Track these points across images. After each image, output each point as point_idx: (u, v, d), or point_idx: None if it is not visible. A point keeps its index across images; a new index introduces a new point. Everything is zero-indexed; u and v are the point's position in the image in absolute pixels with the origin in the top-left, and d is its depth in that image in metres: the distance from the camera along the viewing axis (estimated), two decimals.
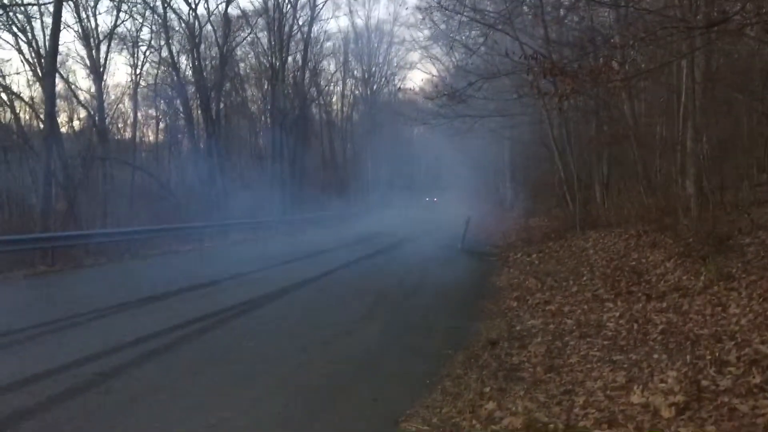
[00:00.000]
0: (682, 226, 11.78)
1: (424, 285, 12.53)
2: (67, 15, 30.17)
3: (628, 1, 10.26)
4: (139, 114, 38.02)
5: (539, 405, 4.94)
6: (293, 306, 10.50)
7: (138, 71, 34.35)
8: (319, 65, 46.80)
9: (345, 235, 25.32)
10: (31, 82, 29.51)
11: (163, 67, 34.99)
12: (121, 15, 31.03)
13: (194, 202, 31.21)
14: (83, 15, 28.50)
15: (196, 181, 34.38)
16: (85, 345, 7.23)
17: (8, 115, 27.53)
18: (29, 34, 24.88)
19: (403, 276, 13.67)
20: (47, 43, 22.42)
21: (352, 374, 6.41)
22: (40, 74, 24.00)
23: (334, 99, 54.66)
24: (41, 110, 23.12)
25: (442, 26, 23.55)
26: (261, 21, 39.09)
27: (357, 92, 56.83)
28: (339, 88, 54.33)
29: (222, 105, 38.01)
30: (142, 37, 34.22)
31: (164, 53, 33.65)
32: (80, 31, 28.65)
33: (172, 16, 33.27)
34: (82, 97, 32.16)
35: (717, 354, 5.27)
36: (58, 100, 28.20)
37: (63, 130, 31.49)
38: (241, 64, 41.61)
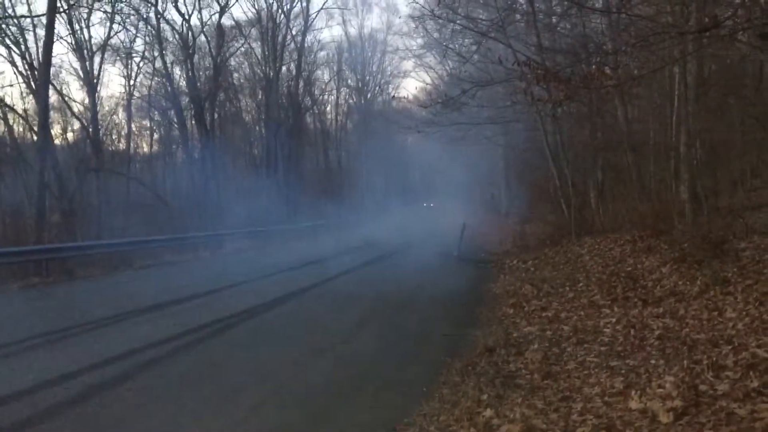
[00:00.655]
0: (677, 231, 11.79)
1: (420, 292, 12.51)
2: (60, 27, 30.31)
3: (619, 7, 10.29)
4: (133, 125, 38.02)
5: (537, 412, 4.91)
6: (289, 315, 10.46)
7: (132, 82, 34.45)
8: (312, 75, 46.95)
9: (341, 244, 25.30)
10: (24, 95, 29.47)
11: (156, 78, 35.06)
12: (115, 26, 31.01)
13: (189, 212, 31.22)
14: (76, 27, 28.55)
15: (191, 191, 34.37)
16: (78, 357, 7.19)
17: (2, 127, 27.49)
18: (22, 47, 24.90)
19: (400, 284, 13.64)
20: (40, 55, 22.37)
21: (348, 382, 6.38)
22: (33, 86, 23.97)
23: (328, 108, 54.79)
24: (35, 122, 23.12)
25: (436, 35, 23.71)
26: (254, 31, 39.26)
27: (351, 101, 57.00)
28: (333, 98, 54.49)
29: (216, 115, 38.03)
30: (135, 48, 34.18)
31: (158, 64, 33.71)
32: (73, 42, 28.70)
33: (166, 27, 33.33)
34: (75, 109, 32.14)
35: (714, 358, 5.26)
36: (51, 112, 28.24)
37: (57, 141, 31.47)
38: (235, 74, 41.70)
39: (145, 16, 31.36)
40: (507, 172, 34.66)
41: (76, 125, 33.81)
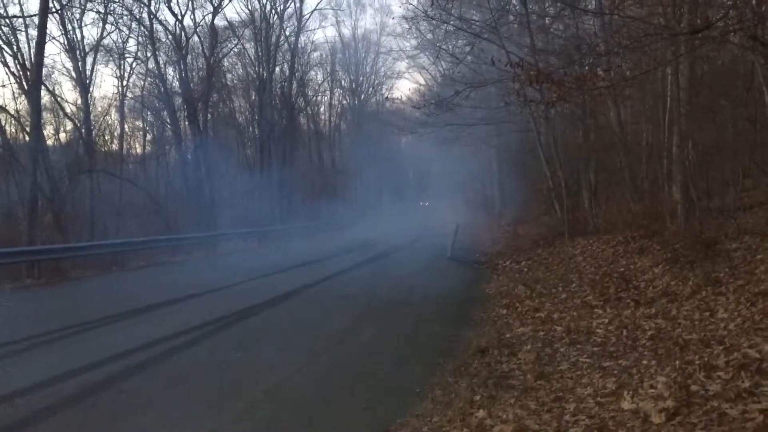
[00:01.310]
0: (669, 232, 11.84)
1: (413, 293, 12.51)
2: (53, 27, 30.16)
3: (612, 9, 10.33)
4: (126, 126, 37.78)
5: (530, 412, 4.92)
6: (283, 316, 10.44)
7: (124, 83, 34.17)
8: (306, 75, 46.87)
9: (334, 244, 25.28)
10: (16, 95, 29.12)
11: (149, 79, 34.83)
12: (107, 27, 30.73)
13: (182, 213, 31.11)
14: (69, 27, 28.36)
15: (184, 192, 34.26)
16: (70, 358, 7.15)
17: None
18: (14, 47, 24.66)
19: (393, 285, 13.65)
20: (33, 56, 22.22)
21: (342, 383, 6.38)
22: (25, 87, 23.77)
23: (321, 109, 54.70)
24: (27, 123, 22.98)
25: (429, 36, 23.75)
26: (248, 32, 39.16)
27: (345, 102, 56.92)
28: (327, 98, 54.39)
29: (209, 116, 37.91)
30: (128, 48, 33.96)
31: (151, 65, 33.51)
32: (66, 43, 28.52)
33: (159, 27, 33.23)
34: (68, 110, 31.93)
35: (706, 359, 5.28)
36: (44, 113, 28.06)
37: (49, 142, 31.24)
38: (228, 75, 41.54)
39: (138, 17, 31.25)
40: (500, 173, 34.71)
41: (69, 126, 33.67)
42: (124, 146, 37.96)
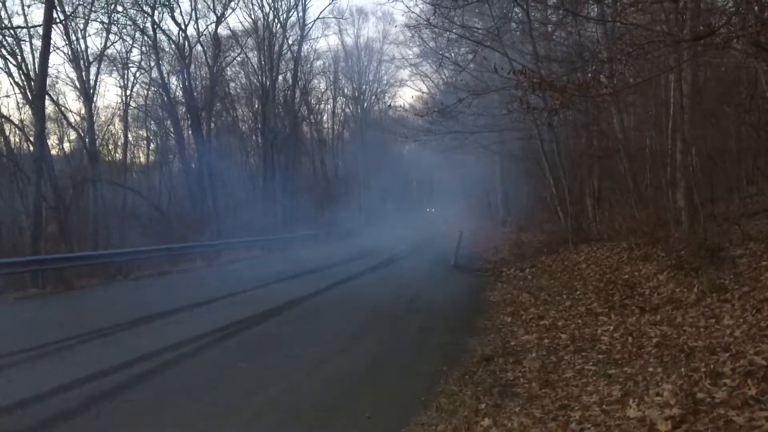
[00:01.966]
0: (673, 238, 11.81)
1: (417, 301, 12.50)
2: (57, 37, 30.18)
3: (615, 16, 10.36)
4: (129, 135, 38.01)
5: (535, 421, 4.90)
6: (287, 325, 10.42)
7: (128, 92, 34.43)
8: (309, 84, 47.03)
9: (338, 252, 25.26)
10: (20, 105, 29.42)
11: (153, 88, 35.09)
12: (111, 37, 30.95)
13: (186, 222, 31.16)
14: (73, 37, 28.60)
15: (188, 201, 34.34)
16: (75, 368, 7.14)
17: None
18: (19, 57, 24.84)
19: (397, 293, 13.63)
20: (37, 66, 22.38)
21: (346, 392, 6.36)
22: (29, 97, 23.88)
23: (324, 117, 54.92)
24: (31, 133, 23.03)
25: (432, 43, 23.73)
26: (251, 41, 39.36)
27: (348, 110, 57.09)
28: (329, 107, 54.63)
29: (213, 125, 38.07)
30: (132, 58, 34.16)
31: (154, 74, 33.77)
32: (70, 53, 28.72)
33: (162, 37, 33.45)
34: (72, 119, 32.15)
35: (712, 366, 5.26)
36: (48, 123, 28.18)
37: (53, 152, 31.50)
38: (232, 84, 41.77)
39: (141, 27, 31.49)
40: (503, 181, 34.73)
41: (73, 135, 33.92)
42: (128, 155, 38.21)
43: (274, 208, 36.31)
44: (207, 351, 8.32)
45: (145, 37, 32.12)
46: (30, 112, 24.78)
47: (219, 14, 35.59)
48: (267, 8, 38.65)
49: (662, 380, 5.30)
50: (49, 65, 22.04)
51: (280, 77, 41.02)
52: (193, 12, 35.44)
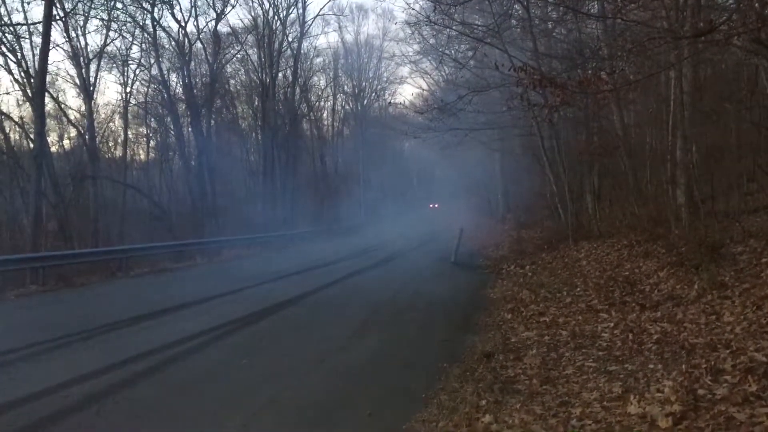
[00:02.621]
0: (673, 235, 11.80)
1: (418, 298, 12.50)
2: (57, 34, 30.21)
3: (615, 12, 10.34)
4: (129, 132, 37.97)
5: (536, 417, 4.91)
6: (288, 322, 10.42)
7: (128, 89, 34.35)
8: (309, 81, 47.02)
9: (338, 249, 25.27)
10: (20, 102, 29.36)
11: (153, 85, 35.03)
12: (111, 34, 30.92)
13: (186, 219, 31.20)
14: (73, 34, 28.53)
15: (188, 198, 34.34)
16: (75, 365, 7.15)
17: None
18: (18, 54, 24.81)
19: (397, 290, 13.64)
20: (37, 63, 22.37)
21: (347, 389, 6.36)
22: (29, 94, 23.87)
23: (324, 114, 54.95)
24: (31, 130, 23.03)
25: (432, 41, 23.78)
26: (251, 38, 39.35)
27: (348, 107, 57.11)
28: (329, 104, 54.66)
29: (213, 122, 38.06)
30: (132, 55, 34.10)
31: (154, 71, 33.71)
32: (70, 50, 28.67)
33: (162, 34, 33.41)
34: (72, 117, 32.12)
35: (712, 363, 5.27)
36: (48, 120, 28.16)
37: (53, 149, 31.46)
38: (232, 81, 41.76)
39: (141, 24, 31.43)
40: (504, 177, 34.72)
41: (73, 133, 33.87)
42: (128, 153, 38.17)
43: (274, 205, 36.33)
44: (208, 348, 8.32)
45: (145, 34, 32.11)
46: (30, 109, 24.73)
47: (219, 11, 35.65)
48: (267, 5, 38.74)
49: (663, 377, 5.31)
50: (49, 62, 22.01)
51: (280, 74, 41.09)
52: (193, 9, 35.65)
